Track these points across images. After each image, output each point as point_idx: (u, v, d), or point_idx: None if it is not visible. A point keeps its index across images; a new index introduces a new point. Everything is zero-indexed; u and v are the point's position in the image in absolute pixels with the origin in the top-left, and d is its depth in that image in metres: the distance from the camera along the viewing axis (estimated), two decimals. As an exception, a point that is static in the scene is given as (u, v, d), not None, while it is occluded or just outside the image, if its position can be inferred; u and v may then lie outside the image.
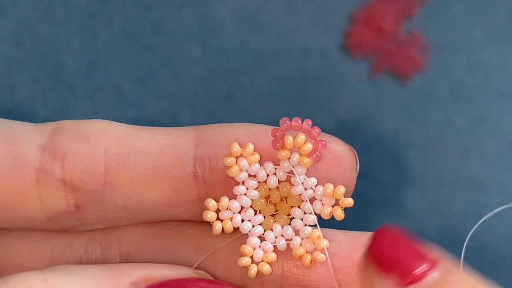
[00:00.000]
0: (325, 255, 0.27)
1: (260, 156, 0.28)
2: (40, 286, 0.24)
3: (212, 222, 0.28)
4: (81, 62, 0.49)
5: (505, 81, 0.49)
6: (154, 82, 0.49)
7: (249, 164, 0.28)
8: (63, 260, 0.30)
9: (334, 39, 0.50)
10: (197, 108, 0.49)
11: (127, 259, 0.29)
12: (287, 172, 0.28)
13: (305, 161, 0.27)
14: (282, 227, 0.28)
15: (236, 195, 0.28)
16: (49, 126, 0.29)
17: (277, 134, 0.27)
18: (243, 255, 0.28)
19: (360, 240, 0.28)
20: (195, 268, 0.28)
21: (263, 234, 0.28)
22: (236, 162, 0.27)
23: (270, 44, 0.50)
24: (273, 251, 0.28)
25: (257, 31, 0.50)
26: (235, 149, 0.27)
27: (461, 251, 0.47)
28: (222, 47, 0.50)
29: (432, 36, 0.49)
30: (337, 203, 0.28)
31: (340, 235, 0.28)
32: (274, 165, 0.28)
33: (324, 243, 0.27)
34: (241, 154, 0.27)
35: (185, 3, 0.50)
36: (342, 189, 0.27)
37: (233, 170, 0.27)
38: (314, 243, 0.27)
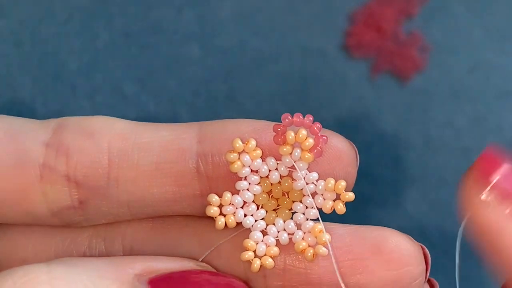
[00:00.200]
0: (328, 249, 0.28)
1: (262, 151, 0.28)
2: (44, 278, 0.25)
3: (215, 217, 0.28)
4: (81, 62, 0.50)
5: (505, 81, 0.49)
6: (154, 82, 0.49)
7: (252, 160, 0.28)
8: (67, 255, 0.30)
9: (334, 39, 0.50)
10: (197, 108, 0.49)
11: (131, 254, 0.30)
12: (288, 167, 0.28)
13: (306, 156, 0.28)
14: (284, 221, 0.28)
15: (239, 190, 0.28)
16: (52, 122, 0.29)
17: (279, 129, 0.28)
18: (246, 249, 0.28)
19: (361, 233, 0.28)
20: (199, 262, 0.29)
21: (265, 229, 0.28)
22: (239, 158, 0.28)
23: (270, 44, 0.50)
24: (276, 245, 0.28)
25: (257, 31, 0.50)
26: (237, 145, 0.28)
27: (461, 251, 0.48)
28: (222, 47, 0.50)
29: (432, 36, 0.50)
30: (338, 197, 0.28)
31: (341, 229, 0.28)
32: (276, 160, 0.28)
33: (326, 237, 0.28)
34: (243, 150, 0.28)
35: (185, 3, 0.50)
36: (343, 183, 0.28)
37: (235, 165, 0.28)
38: (316, 237, 0.28)
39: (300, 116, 0.28)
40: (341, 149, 0.28)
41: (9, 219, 0.29)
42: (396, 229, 0.29)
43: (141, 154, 0.28)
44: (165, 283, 0.26)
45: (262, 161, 0.28)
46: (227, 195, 0.28)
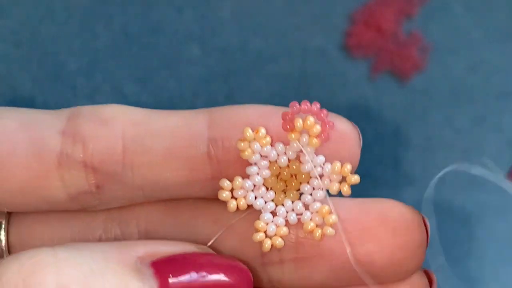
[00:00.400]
0: (335, 229, 0.29)
1: (270, 136, 0.30)
2: (50, 260, 0.26)
3: (227, 201, 0.30)
4: (81, 62, 0.50)
5: (505, 81, 0.50)
6: (154, 82, 0.50)
7: (261, 147, 0.29)
8: (83, 240, 0.31)
9: (334, 39, 0.50)
10: (197, 108, 0.50)
11: (146, 236, 0.31)
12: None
13: (314, 142, 0.29)
14: (292, 202, 0.30)
15: (249, 175, 0.30)
16: (65, 111, 0.31)
17: (287, 117, 0.29)
18: (257, 230, 0.30)
19: (367, 205, 0.30)
20: (213, 242, 0.30)
21: (275, 210, 0.30)
22: (249, 146, 0.29)
23: (270, 44, 0.51)
24: (285, 225, 0.30)
25: (257, 31, 0.51)
26: (248, 134, 0.29)
27: (462, 252, 0.49)
28: (222, 47, 0.51)
29: (432, 36, 0.50)
30: (344, 180, 0.30)
31: (349, 202, 0.30)
32: (284, 145, 0.30)
33: (333, 217, 0.29)
34: (254, 138, 0.29)
35: (185, 3, 0.51)
36: (349, 166, 0.29)
37: (246, 153, 0.29)
38: (323, 218, 0.29)
39: (308, 104, 0.29)
40: (345, 130, 0.30)
41: (27, 206, 0.31)
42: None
43: (154, 140, 0.29)
44: (167, 265, 0.27)
45: (271, 146, 0.30)
46: (239, 180, 0.30)
